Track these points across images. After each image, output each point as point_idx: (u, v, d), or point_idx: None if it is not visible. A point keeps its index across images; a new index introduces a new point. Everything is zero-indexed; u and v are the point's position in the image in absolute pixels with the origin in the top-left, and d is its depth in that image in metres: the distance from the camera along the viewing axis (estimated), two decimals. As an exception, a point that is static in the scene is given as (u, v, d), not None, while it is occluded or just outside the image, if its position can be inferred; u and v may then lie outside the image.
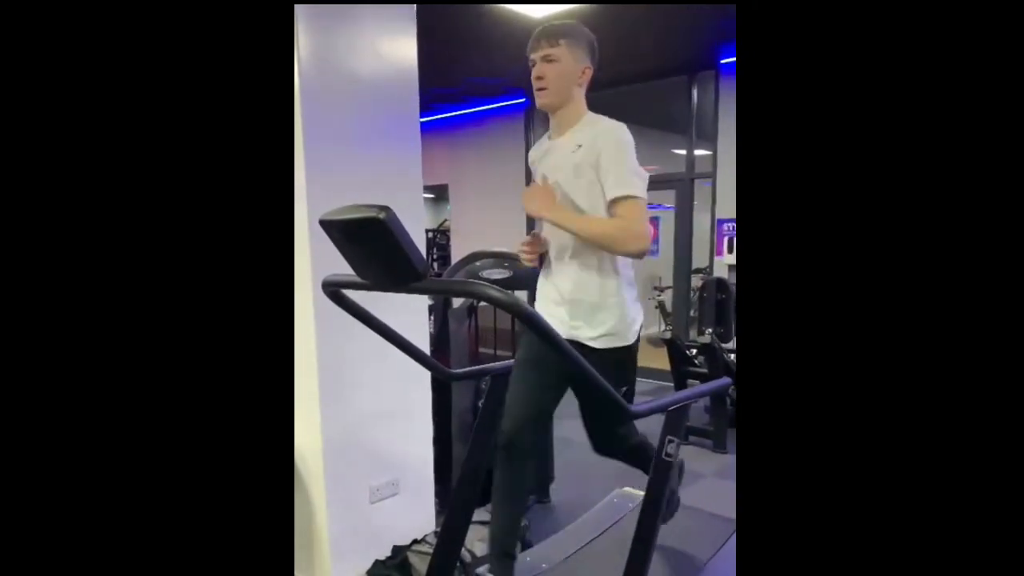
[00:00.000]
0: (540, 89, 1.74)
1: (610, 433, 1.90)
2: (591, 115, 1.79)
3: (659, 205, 6.79)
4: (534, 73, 1.74)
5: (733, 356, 4.07)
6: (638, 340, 1.83)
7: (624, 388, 1.72)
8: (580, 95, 1.78)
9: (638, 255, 1.65)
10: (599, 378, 1.23)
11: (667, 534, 1.61)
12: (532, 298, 2.95)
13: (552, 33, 1.71)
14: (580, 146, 1.70)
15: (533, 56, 1.74)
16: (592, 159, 1.66)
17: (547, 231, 1.84)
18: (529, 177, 1.91)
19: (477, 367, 1.93)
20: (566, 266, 1.77)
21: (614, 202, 1.63)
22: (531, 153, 1.94)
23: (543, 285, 1.87)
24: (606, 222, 1.66)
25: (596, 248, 1.70)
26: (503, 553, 1.85)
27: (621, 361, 1.78)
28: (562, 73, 1.71)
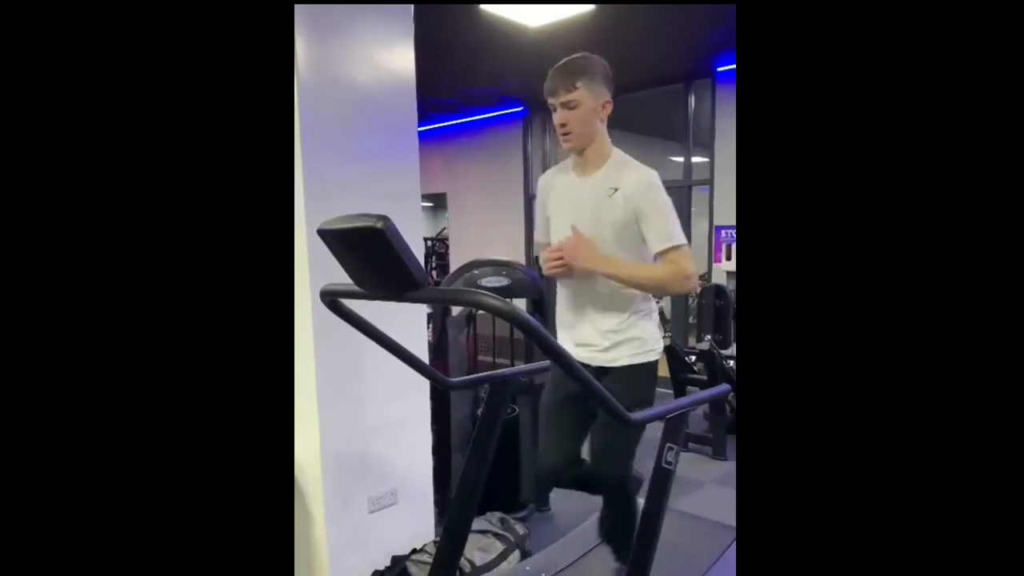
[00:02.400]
0: (565, 135, 1.74)
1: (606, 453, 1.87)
2: (618, 154, 1.80)
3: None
4: (556, 119, 1.74)
5: (732, 363, 4.07)
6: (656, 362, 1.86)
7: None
8: (603, 129, 1.78)
9: (687, 293, 1.80)
10: (601, 389, 1.23)
11: (667, 541, 1.60)
12: (532, 307, 2.96)
13: (568, 76, 1.70)
14: (616, 190, 1.72)
15: (552, 101, 1.73)
16: (630, 215, 1.72)
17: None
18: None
19: (476, 376, 1.93)
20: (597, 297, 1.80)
21: (663, 252, 1.72)
22: (544, 180, 1.93)
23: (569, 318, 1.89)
24: (657, 270, 1.75)
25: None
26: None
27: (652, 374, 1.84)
28: (584, 116, 1.71)
